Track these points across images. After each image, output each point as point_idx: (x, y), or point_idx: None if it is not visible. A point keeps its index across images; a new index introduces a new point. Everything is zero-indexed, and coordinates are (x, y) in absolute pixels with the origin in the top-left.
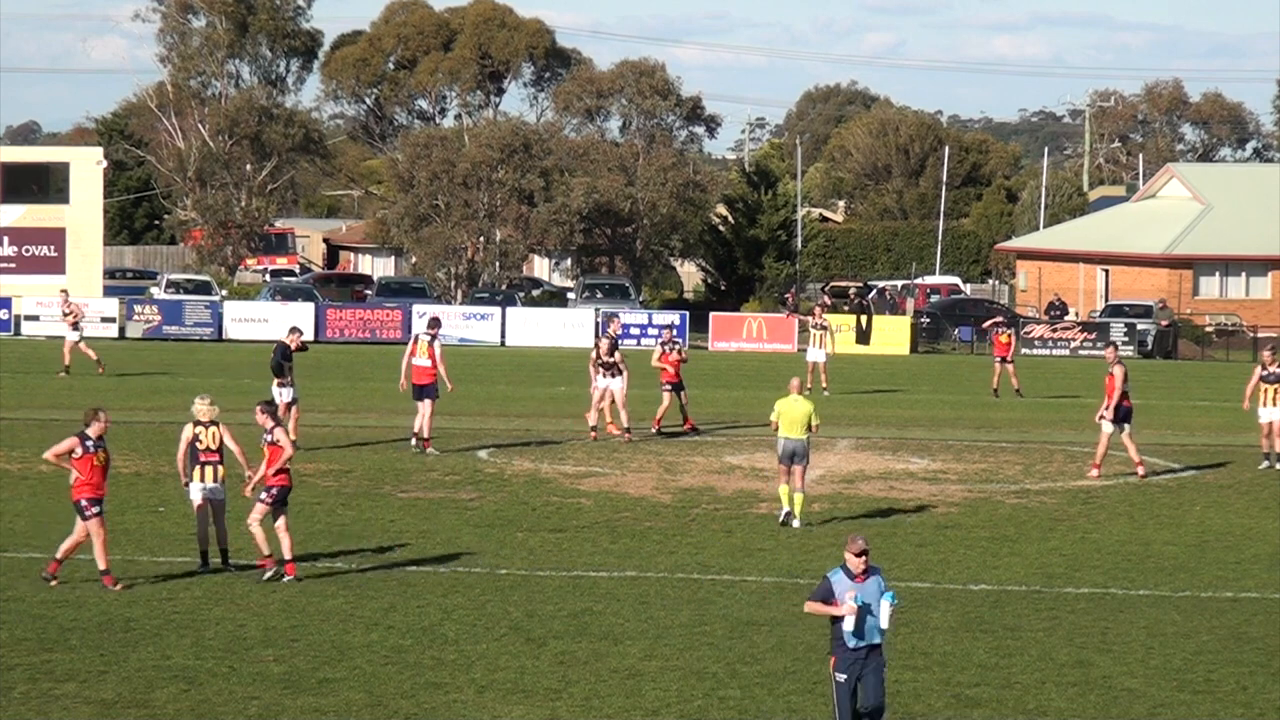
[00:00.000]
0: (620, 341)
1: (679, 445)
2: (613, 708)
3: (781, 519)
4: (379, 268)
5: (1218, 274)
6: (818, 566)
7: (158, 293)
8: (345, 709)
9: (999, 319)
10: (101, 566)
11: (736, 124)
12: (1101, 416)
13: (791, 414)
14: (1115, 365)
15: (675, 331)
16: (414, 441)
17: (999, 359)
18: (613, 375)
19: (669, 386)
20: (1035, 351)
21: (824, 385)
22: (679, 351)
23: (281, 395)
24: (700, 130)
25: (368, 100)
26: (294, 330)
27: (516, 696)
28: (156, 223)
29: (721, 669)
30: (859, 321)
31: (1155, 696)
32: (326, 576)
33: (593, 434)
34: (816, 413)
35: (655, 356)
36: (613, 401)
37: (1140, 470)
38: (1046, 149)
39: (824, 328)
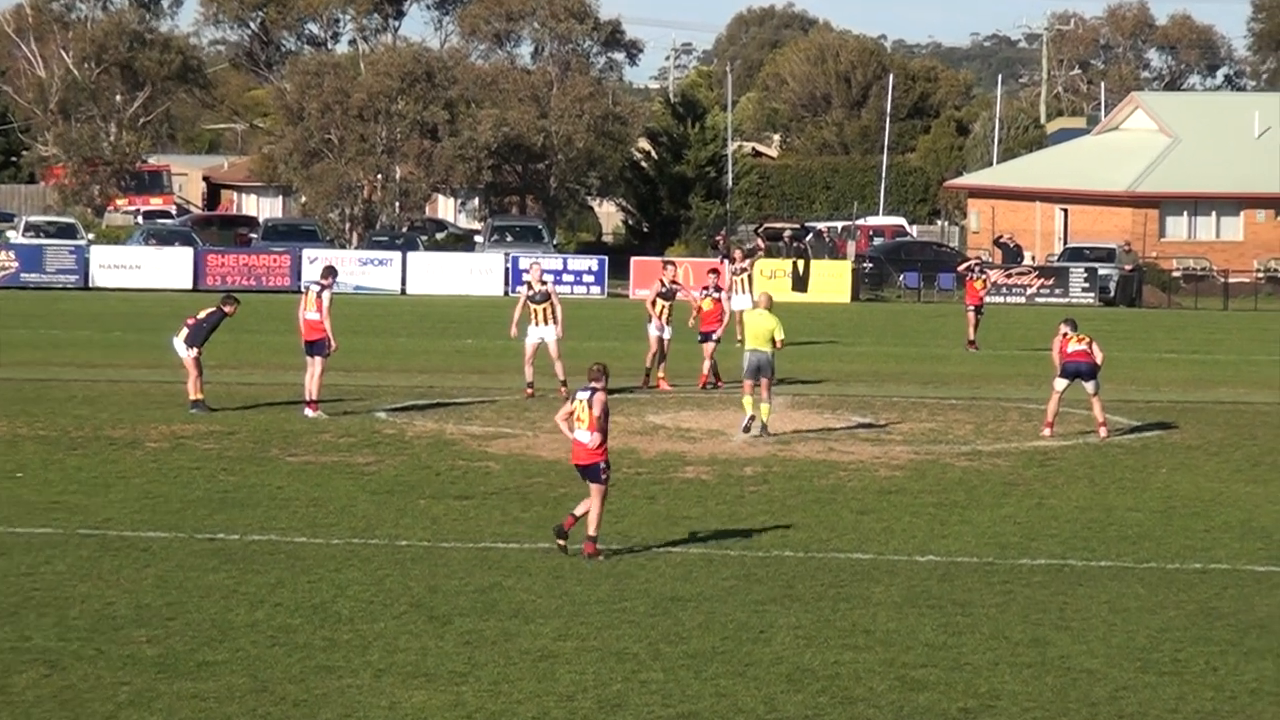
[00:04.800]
0: (558, 279)
1: None
2: (523, 692)
3: (744, 425)
4: (265, 208)
5: (1186, 213)
6: (746, 536)
7: (15, 236)
8: (227, 694)
9: (975, 262)
10: (591, 533)
11: (660, 50)
12: None
13: (755, 327)
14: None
15: (719, 278)
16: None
17: (972, 307)
18: (543, 323)
19: (700, 337)
20: (989, 299)
21: (739, 337)
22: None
23: (189, 353)
24: (620, 57)
25: (252, 24)
26: (232, 300)
27: (418, 680)
28: (14, 160)
29: (643, 649)
30: (795, 267)
31: (1117, 678)
32: (206, 549)
33: (528, 391)
34: (781, 327)
35: (698, 303)
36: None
37: (1103, 431)
38: (1000, 77)
39: (743, 271)
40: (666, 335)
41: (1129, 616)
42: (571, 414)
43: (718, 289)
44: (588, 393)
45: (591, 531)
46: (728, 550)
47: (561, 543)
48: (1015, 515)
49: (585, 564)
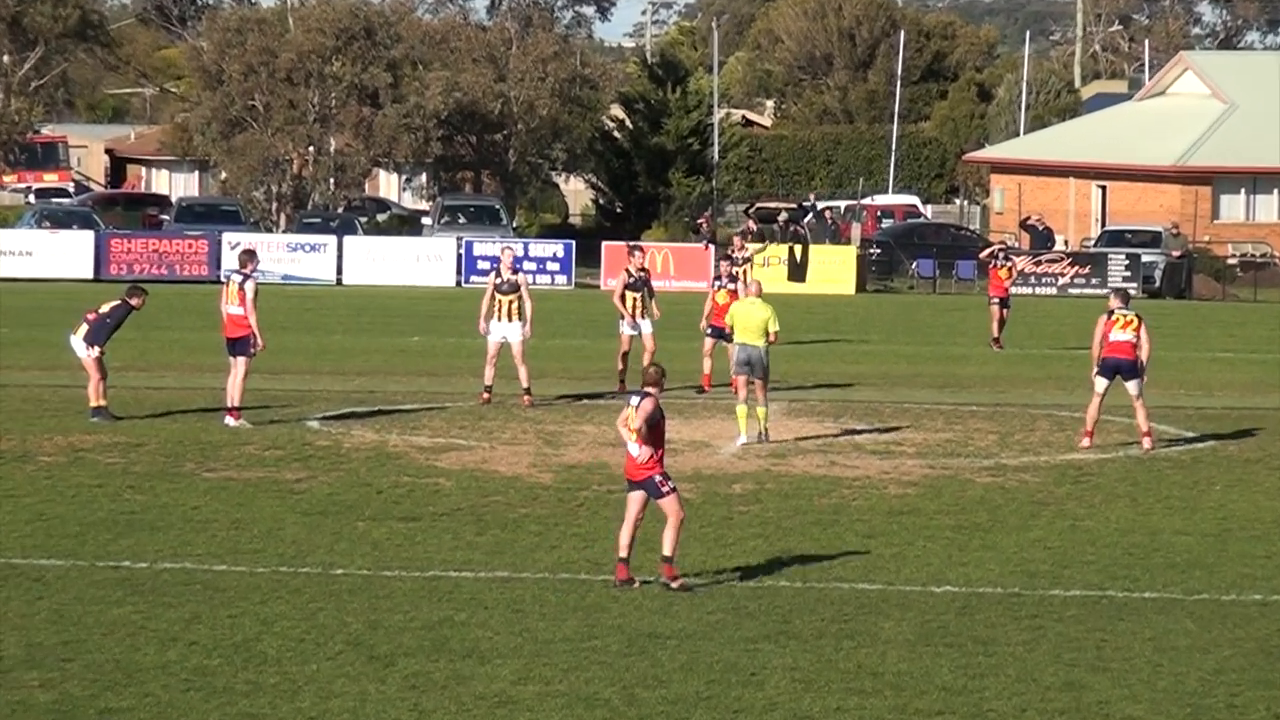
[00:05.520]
0: (520, 266)
1: (563, 411)
2: None
3: (742, 444)
4: (178, 186)
5: (1243, 191)
6: (735, 564)
7: None
8: None
9: (999, 248)
10: (666, 553)
11: (636, 3)
12: None
13: (745, 318)
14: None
15: (732, 265)
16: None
17: (996, 300)
18: (509, 319)
19: (711, 331)
20: (1016, 289)
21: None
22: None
23: (90, 352)
24: (590, 11)
25: None
26: (140, 292)
27: None
28: None
29: (616, 694)
30: (792, 253)
31: None
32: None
33: (484, 395)
34: (775, 318)
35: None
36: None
37: (1147, 442)
38: (1028, 34)
39: (748, 260)
40: (645, 331)
41: (1177, 656)
42: (626, 421)
43: (732, 279)
44: (638, 398)
45: (667, 551)
46: (714, 580)
47: (624, 578)
48: (1046, 539)
49: (616, 593)
